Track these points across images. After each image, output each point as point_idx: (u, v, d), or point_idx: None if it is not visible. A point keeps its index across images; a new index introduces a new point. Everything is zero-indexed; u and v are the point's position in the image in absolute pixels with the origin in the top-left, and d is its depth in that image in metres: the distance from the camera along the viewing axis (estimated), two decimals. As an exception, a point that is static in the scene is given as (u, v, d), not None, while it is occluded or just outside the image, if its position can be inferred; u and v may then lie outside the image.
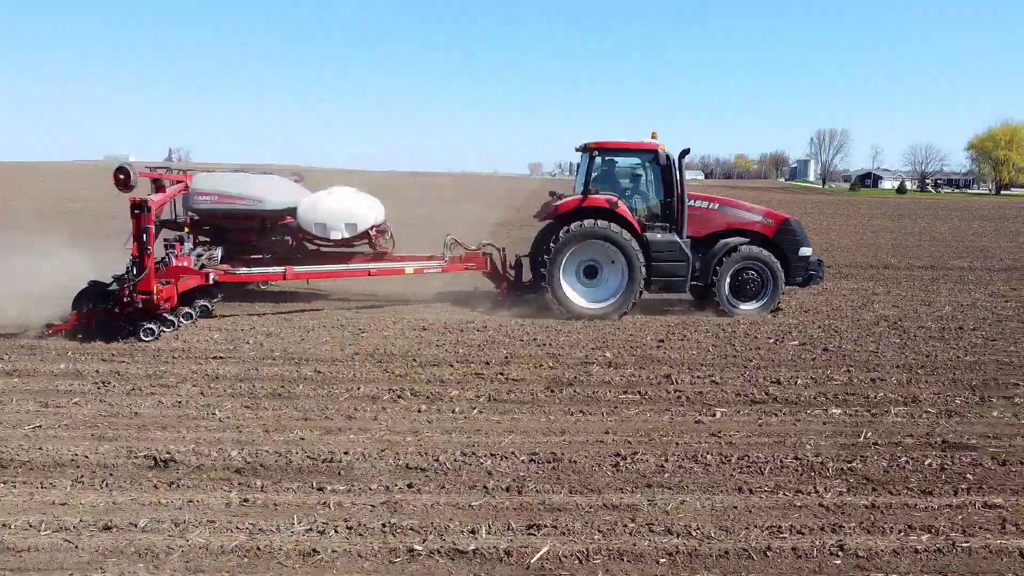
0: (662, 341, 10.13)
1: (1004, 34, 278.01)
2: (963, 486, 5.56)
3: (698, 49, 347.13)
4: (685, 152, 11.94)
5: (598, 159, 12.04)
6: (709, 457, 5.97)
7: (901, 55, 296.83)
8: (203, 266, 10.95)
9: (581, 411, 7.14)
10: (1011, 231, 34.68)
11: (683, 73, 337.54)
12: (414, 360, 8.80)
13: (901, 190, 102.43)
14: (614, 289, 11.59)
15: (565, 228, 11.36)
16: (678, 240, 11.70)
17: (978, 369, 8.97)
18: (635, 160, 12.38)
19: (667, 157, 11.84)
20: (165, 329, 9.64)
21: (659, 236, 11.74)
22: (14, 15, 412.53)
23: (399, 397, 7.41)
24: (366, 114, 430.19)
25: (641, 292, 11.61)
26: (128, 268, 9.44)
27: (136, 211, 9.39)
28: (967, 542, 4.67)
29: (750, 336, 10.61)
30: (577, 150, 12.57)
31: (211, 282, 10.65)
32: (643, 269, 11.38)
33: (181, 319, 10.09)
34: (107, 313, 9.41)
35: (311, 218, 12.19)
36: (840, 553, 4.52)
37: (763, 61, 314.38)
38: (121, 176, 9.68)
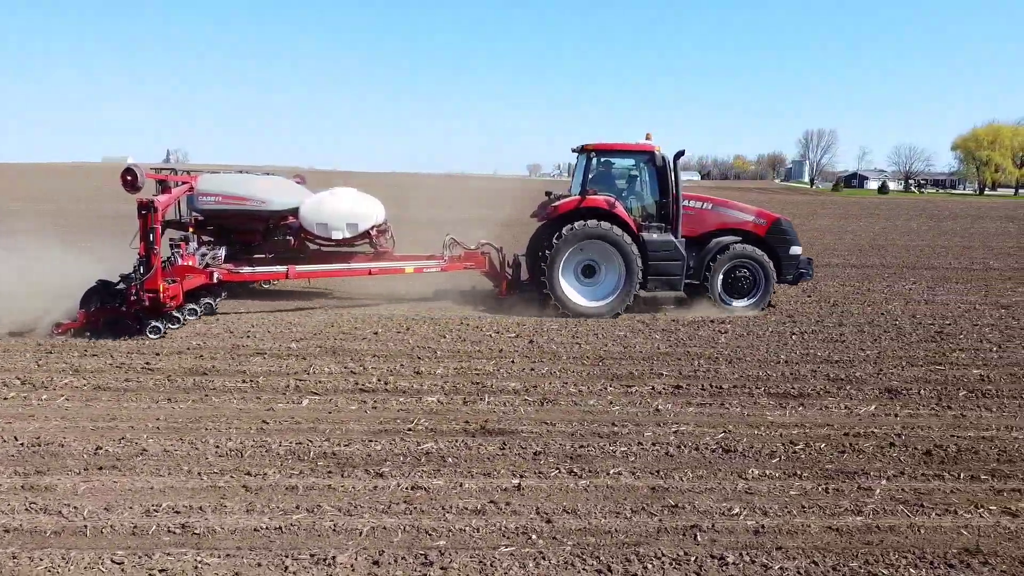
0: (376, 333, 10.23)
1: (1000, 33, 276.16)
2: (423, 469, 5.61)
3: (698, 50, 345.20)
4: (680, 154, 12.00)
5: (595, 160, 12.24)
6: (209, 441, 6.04)
7: (893, 55, 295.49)
8: (207, 265, 11.19)
9: (168, 399, 7.20)
10: (948, 230, 34.01)
11: (683, 75, 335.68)
12: (96, 350, 8.90)
13: (883, 190, 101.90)
14: (612, 288, 11.76)
15: (564, 229, 11.56)
16: (673, 240, 11.87)
17: (659, 360, 8.99)
18: (631, 161, 12.55)
19: (663, 158, 12.04)
20: (171, 326, 9.91)
21: (655, 236, 11.92)
22: (11, 15, 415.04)
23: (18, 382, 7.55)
24: (365, 116, 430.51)
25: (638, 290, 11.81)
26: (135, 267, 9.70)
27: (143, 211, 9.61)
28: (329, 522, 4.72)
29: (479, 329, 10.68)
30: (574, 151, 12.69)
31: (215, 281, 10.94)
32: (640, 268, 11.57)
33: (186, 316, 10.36)
34: (115, 311, 9.66)
35: (313, 218, 12.45)
36: (179, 530, 4.59)
37: (763, 62, 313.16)
38: (128, 177, 9.97)
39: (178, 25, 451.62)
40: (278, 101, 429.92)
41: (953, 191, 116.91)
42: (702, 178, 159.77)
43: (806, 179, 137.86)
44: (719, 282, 12.14)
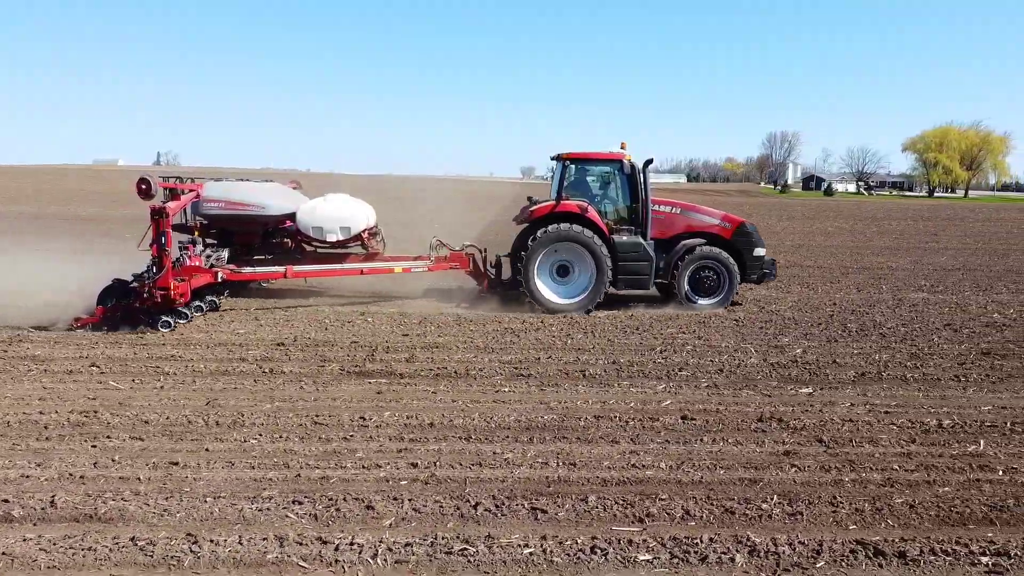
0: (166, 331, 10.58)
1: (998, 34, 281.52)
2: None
3: (697, 51, 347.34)
4: (648, 162, 12.84)
5: (571, 168, 13.06)
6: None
7: (876, 57, 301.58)
8: (212, 266, 11.88)
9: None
10: (853, 231, 34.42)
11: (681, 75, 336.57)
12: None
13: (828, 192, 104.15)
14: (583, 287, 12.52)
15: (538, 231, 12.39)
16: (642, 242, 12.60)
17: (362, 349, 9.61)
18: (603, 169, 13.34)
19: (632, 166, 12.82)
20: (180, 321, 10.67)
21: (625, 238, 12.65)
22: (4, 16, 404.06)
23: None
24: (362, 117, 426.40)
25: (608, 289, 12.52)
26: (148, 267, 10.59)
27: (156, 217, 10.52)
28: None
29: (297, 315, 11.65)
30: (552, 159, 13.41)
31: (219, 280, 11.66)
32: (609, 269, 12.35)
33: (193, 312, 11.19)
34: (129, 307, 10.47)
35: (309, 222, 13.15)
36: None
37: (764, 63, 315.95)
38: (143, 186, 10.86)
39: (170, 26, 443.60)
40: (271, 103, 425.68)
41: (907, 193, 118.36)
42: (688, 180, 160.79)
43: (790, 180, 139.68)
44: (686, 282, 12.83)
